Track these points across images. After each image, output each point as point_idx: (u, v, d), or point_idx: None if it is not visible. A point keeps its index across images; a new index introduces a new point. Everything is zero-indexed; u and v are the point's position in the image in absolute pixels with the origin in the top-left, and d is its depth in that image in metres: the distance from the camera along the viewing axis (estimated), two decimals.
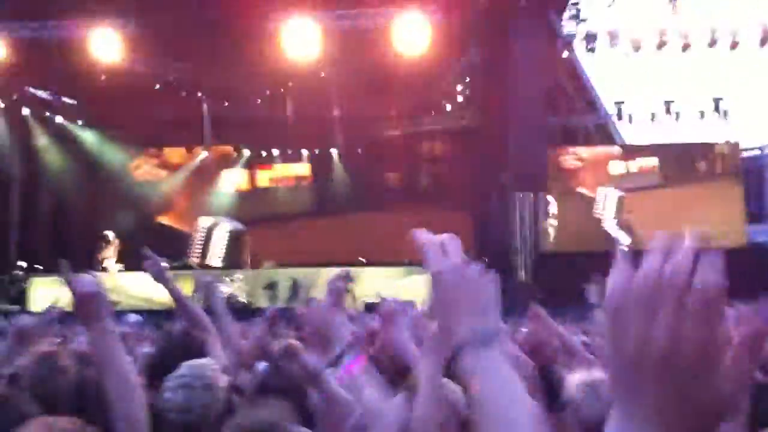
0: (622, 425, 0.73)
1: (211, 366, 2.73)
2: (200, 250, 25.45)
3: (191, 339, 3.66)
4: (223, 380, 2.66)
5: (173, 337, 3.84)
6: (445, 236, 1.41)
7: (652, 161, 23.18)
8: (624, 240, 22.79)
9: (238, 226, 25.77)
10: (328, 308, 2.94)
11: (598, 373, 2.98)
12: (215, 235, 25.60)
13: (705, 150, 22.89)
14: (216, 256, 25.55)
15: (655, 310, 0.72)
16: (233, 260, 25.35)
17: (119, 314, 12.18)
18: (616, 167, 23.28)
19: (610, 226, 22.95)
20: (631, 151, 23.40)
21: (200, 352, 3.47)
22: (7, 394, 2.79)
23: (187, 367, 2.71)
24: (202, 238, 25.58)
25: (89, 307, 2.23)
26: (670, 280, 0.72)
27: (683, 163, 22.82)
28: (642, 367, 0.72)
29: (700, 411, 0.71)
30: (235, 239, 25.58)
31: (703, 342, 0.70)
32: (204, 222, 25.55)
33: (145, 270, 3.71)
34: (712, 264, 0.72)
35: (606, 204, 23.03)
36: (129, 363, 2.27)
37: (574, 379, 2.96)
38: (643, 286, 0.74)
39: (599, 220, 23.20)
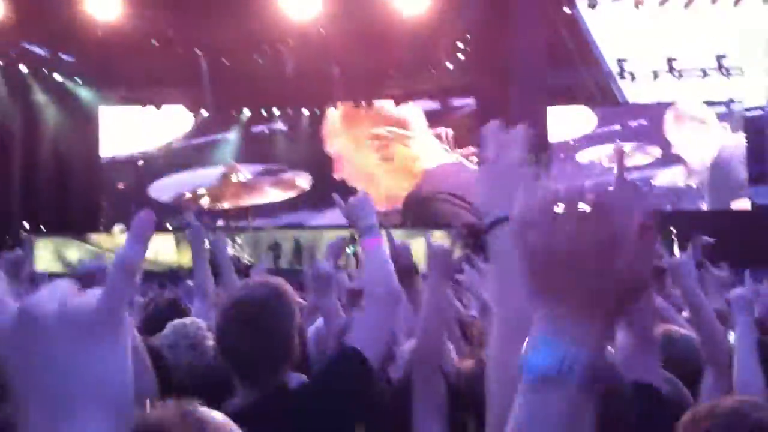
0: (549, 324, 0.82)
1: (197, 325, 2.76)
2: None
3: (178, 307, 3.72)
4: (209, 339, 2.68)
5: (159, 306, 3.88)
6: (519, 128, 1.42)
7: None
8: None
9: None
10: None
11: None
12: None
13: None
14: None
15: (554, 217, 0.83)
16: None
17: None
18: None
19: None
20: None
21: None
22: None
23: (171, 326, 2.75)
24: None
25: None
26: (566, 191, 0.84)
27: None
28: (552, 270, 0.83)
29: (609, 295, 0.82)
30: None
31: (597, 238, 0.81)
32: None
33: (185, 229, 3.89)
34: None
35: None
36: (136, 337, 2.27)
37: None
38: (544, 198, 0.84)
39: None
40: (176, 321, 2.80)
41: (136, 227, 0.78)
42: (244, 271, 15.80)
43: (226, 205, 26.40)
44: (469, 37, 23.56)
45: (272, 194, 26.73)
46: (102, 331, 0.73)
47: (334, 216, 25.26)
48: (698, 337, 2.87)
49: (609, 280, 0.81)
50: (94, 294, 0.74)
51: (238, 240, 22.03)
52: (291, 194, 26.58)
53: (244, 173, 26.71)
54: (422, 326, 2.40)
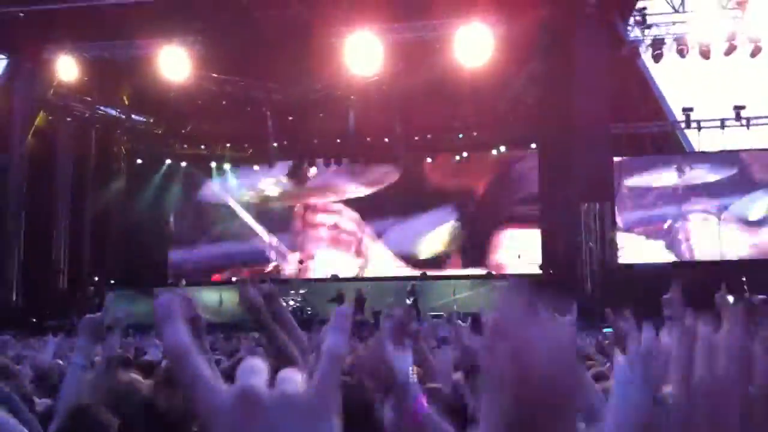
0: None
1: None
2: None
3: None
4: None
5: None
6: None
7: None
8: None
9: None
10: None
11: None
12: None
13: None
14: None
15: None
16: None
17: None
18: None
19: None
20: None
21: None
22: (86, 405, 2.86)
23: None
24: None
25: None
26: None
27: None
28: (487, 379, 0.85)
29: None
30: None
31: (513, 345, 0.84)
32: None
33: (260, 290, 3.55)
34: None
35: None
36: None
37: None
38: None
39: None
40: None
41: (338, 319, 0.81)
42: (305, 322, 15.94)
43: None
44: (532, 90, 23.58)
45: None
46: (317, 416, 0.75)
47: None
48: None
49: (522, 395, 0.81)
50: (300, 379, 0.77)
51: (301, 291, 22.20)
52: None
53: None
54: None
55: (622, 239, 22.29)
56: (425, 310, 20.25)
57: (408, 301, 20.51)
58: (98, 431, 2.68)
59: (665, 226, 22.77)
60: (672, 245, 22.67)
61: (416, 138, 25.28)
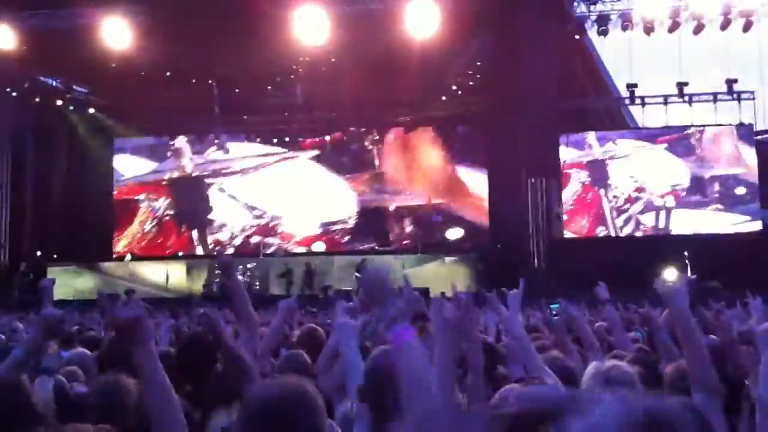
0: None
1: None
2: None
3: (205, 342, 3.76)
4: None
5: (188, 340, 3.94)
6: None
7: None
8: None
9: None
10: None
11: (611, 362, 3.03)
12: None
13: None
14: None
15: None
16: None
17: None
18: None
19: None
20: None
21: (213, 354, 3.59)
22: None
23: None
24: None
25: (133, 332, 2.27)
26: None
27: None
28: None
29: None
30: None
31: None
32: None
33: (218, 261, 3.85)
34: None
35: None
36: (168, 381, 2.31)
37: (590, 369, 2.97)
38: None
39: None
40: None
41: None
42: (254, 299, 15.83)
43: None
44: (479, 64, 23.66)
45: None
46: None
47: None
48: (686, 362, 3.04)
49: None
50: None
51: (249, 266, 22.06)
52: None
53: None
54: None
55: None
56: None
57: (357, 276, 20.59)
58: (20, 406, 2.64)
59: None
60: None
61: (364, 112, 25.21)
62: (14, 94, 23.81)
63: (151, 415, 2.30)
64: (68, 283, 21.49)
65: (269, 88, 24.60)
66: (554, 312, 6.84)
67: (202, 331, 4.11)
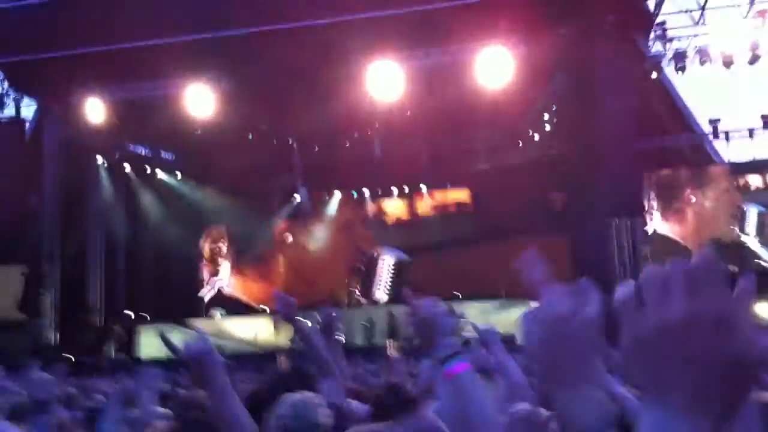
0: (657, 416, 0.78)
1: (315, 401, 2.62)
2: (363, 283, 26.25)
3: (301, 374, 3.56)
4: (327, 416, 2.58)
5: (283, 373, 3.77)
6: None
7: None
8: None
9: (402, 256, 26.35)
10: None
11: None
12: (379, 266, 26.20)
13: None
14: (382, 289, 26.18)
15: (667, 294, 0.79)
16: (397, 292, 25.91)
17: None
18: (753, 181, 22.81)
19: (753, 243, 22.28)
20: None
21: (310, 386, 3.36)
22: None
23: (289, 404, 2.59)
24: (364, 271, 26.39)
25: (201, 368, 2.20)
26: (674, 270, 0.81)
27: None
28: (664, 350, 0.78)
29: (728, 380, 0.76)
30: (399, 270, 26.14)
31: (717, 311, 0.77)
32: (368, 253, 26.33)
33: (276, 310, 3.61)
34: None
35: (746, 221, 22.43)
36: (247, 415, 2.24)
37: None
38: (652, 278, 0.81)
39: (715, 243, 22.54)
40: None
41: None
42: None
43: None
44: (555, 108, 23.55)
45: None
46: None
47: None
48: None
49: (725, 364, 0.76)
50: None
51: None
52: None
53: None
54: None
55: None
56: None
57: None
58: None
59: None
60: None
61: (441, 163, 25.33)
62: (106, 163, 24.90)
63: None
64: (156, 341, 21.93)
65: (347, 144, 25.04)
66: None
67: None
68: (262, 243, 28.23)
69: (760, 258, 22.23)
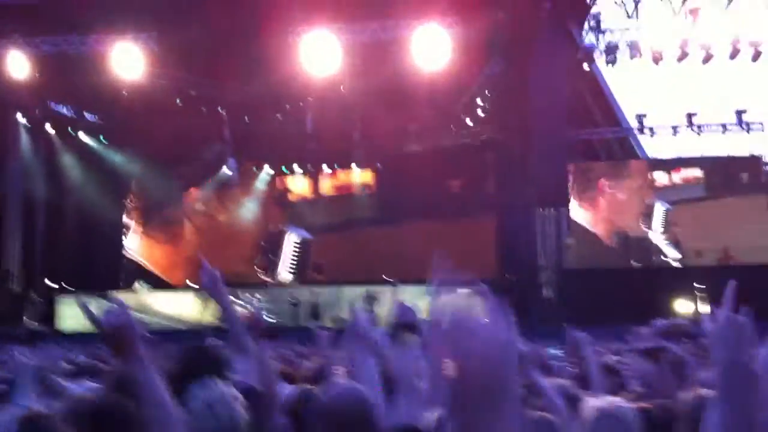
0: None
1: (229, 397, 2.54)
2: (266, 262, 25.97)
3: (216, 353, 3.48)
4: (244, 409, 2.50)
5: (196, 350, 3.62)
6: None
7: (695, 172, 23.27)
8: (672, 254, 22.74)
9: (306, 234, 26.14)
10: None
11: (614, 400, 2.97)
12: (283, 244, 25.98)
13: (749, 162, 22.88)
14: (285, 268, 25.94)
15: None
16: (301, 271, 25.65)
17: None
18: (661, 178, 23.41)
19: (658, 239, 22.91)
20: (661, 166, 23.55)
21: (222, 367, 3.33)
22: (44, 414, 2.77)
23: (204, 402, 2.53)
24: (267, 249, 26.08)
25: (120, 340, 2.13)
26: None
27: (726, 175, 22.92)
28: None
29: None
30: (303, 249, 25.92)
31: None
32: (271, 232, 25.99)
33: (200, 281, 3.45)
34: None
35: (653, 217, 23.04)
36: (166, 390, 2.16)
37: (590, 403, 2.91)
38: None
39: (621, 236, 23.16)
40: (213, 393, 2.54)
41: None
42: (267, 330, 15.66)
43: None
44: (488, 93, 23.71)
45: None
46: None
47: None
48: None
49: None
50: None
51: (258, 296, 21.95)
52: None
53: None
54: None
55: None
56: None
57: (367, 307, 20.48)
58: None
59: None
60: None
61: (372, 141, 25.26)
62: (26, 121, 24.01)
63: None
64: (78, 313, 21.39)
65: (279, 116, 24.73)
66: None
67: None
68: (172, 207, 27.79)
69: (662, 254, 22.94)
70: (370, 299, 20.95)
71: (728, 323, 1.81)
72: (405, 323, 2.87)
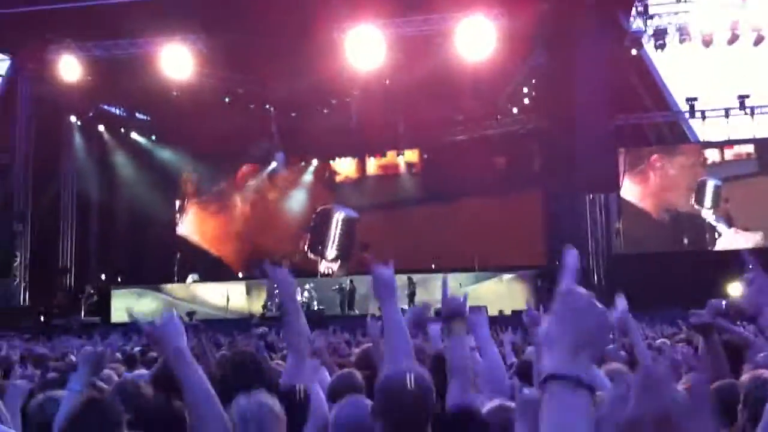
0: None
1: (267, 407, 2.49)
2: (313, 240, 26.21)
3: (262, 362, 3.50)
4: (283, 420, 2.55)
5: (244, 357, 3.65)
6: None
7: (748, 148, 22.93)
8: (723, 231, 22.45)
9: (352, 213, 26.37)
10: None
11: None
12: (331, 222, 26.64)
13: None
14: (331, 246, 26.22)
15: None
16: (347, 249, 25.88)
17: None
18: (712, 156, 23.18)
19: (709, 216, 22.63)
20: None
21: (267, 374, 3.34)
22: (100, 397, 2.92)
23: (246, 404, 2.52)
24: (315, 228, 26.36)
25: (163, 335, 2.27)
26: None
27: None
28: None
29: None
30: (348, 227, 26.39)
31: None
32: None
33: (270, 277, 3.35)
34: None
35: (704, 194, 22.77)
36: (207, 382, 2.26)
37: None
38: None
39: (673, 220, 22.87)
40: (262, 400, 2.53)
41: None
42: (316, 318, 15.90)
43: None
44: (534, 82, 23.56)
45: None
46: None
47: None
48: None
49: None
50: None
51: (307, 286, 22.17)
52: None
53: None
54: None
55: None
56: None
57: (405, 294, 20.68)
58: (109, 422, 2.71)
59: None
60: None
61: (418, 133, 25.30)
62: (79, 123, 24.60)
63: (191, 420, 2.21)
64: (132, 305, 21.96)
65: (325, 111, 24.92)
66: None
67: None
68: (224, 182, 28.22)
69: (716, 231, 22.60)
70: (412, 286, 21.08)
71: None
72: (454, 313, 2.95)
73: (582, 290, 1.28)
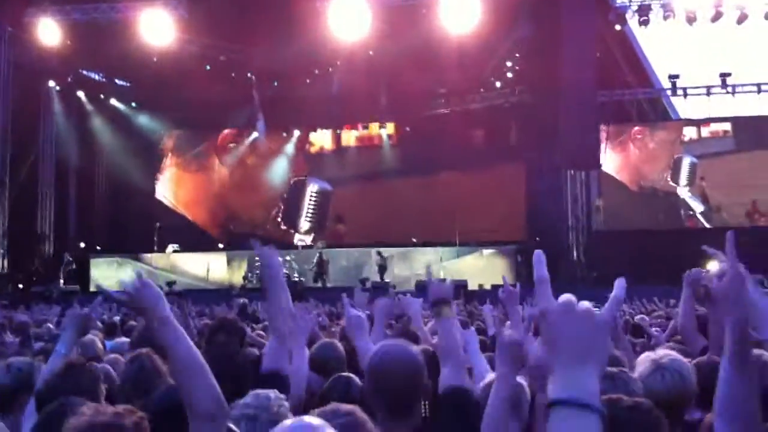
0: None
1: (280, 403, 2.47)
2: (286, 211, 26.10)
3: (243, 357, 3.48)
4: (289, 414, 2.52)
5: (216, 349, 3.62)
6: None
7: (725, 126, 23.07)
8: (697, 207, 22.66)
9: (326, 186, 26.30)
10: None
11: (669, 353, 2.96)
12: (304, 194, 26.53)
13: None
14: (304, 217, 26.17)
15: None
16: (320, 222, 25.87)
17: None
18: (690, 133, 23.36)
19: (684, 194, 22.82)
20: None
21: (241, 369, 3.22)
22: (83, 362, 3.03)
23: (253, 396, 2.51)
24: (288, 199, 26.26)
25: (143, 301, 2.17)
26: None
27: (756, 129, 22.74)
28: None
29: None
30: (322, 199, 26.30)
31: None
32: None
33: (257, 254, 3.27)
34: None
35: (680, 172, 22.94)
36: (193, 346, 2.18)
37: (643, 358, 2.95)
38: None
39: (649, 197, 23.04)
40: (260, 392, 2.50)
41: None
42: (296, 291, 15.90)
43: None
44: (518, 55, 23.50)
45: None
46: None
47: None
48: None
49: None
50: None
51: (288, 258, 22.18)
52: None
53: None
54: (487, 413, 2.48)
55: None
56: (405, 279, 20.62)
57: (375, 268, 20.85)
58: (88, 383, 2.76)
59: None
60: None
61: (401, 104, 25.19)
62: (58, 88, 24.28)
63: (181, 389, 2.14)
64: (111, 274, 21.90)
65: (308, 81, 24.75)
66: None
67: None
68: (205, 144, 28.00)
69: (690, 209, 22.82)
70: (382, 260, 21.16)
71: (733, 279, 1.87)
72: (441, 298, 2.96)
73: (561, 304, 1.23)
